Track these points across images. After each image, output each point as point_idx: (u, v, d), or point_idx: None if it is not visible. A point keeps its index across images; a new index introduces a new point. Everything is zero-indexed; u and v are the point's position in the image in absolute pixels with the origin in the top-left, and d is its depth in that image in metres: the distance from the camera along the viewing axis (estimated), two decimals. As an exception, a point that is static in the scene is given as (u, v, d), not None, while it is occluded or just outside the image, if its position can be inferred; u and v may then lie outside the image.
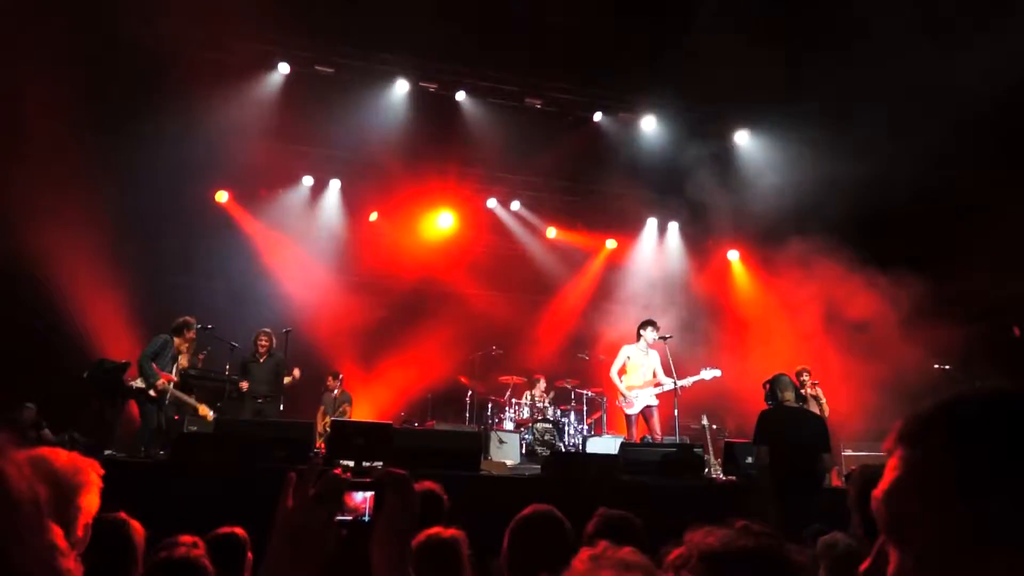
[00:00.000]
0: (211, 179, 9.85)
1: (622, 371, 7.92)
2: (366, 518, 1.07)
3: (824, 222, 9.25)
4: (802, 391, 7.77)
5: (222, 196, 10.29)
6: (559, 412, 9.45)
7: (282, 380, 7.76)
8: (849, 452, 8.32)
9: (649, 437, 7.67)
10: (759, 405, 5.46)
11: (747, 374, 7.83)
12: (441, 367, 10.19)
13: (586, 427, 9.52)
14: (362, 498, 1.07)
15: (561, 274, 11.75)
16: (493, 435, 8.41)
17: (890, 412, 8.10)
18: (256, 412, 7.49)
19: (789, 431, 5.03)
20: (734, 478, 6.33)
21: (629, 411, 7.82)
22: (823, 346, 9.09)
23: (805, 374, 7.99)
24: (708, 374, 7.66)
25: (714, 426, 9.00)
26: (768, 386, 5.42)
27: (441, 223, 11.25)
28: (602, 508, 2.48)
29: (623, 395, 7.87)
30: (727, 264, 11.56)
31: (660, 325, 8.00)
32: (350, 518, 1.06)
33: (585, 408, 9.69)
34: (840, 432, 8.09)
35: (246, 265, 9.93)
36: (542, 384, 9.88)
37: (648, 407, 7.76)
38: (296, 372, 7.85)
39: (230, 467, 4.72)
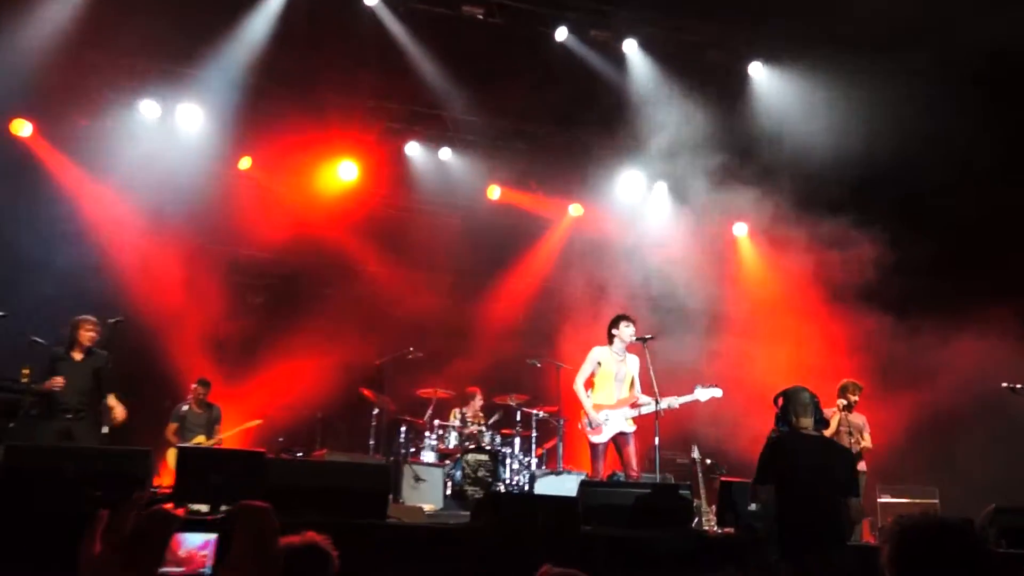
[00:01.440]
0: (6, 104, 9.55)
1: (589, 383, 8.00)
2: (206, 571, 1.01)
3: (866, 194, 9.45)
4: (835, 412, 8.04)
5: (22, 127, 10.03)
6: (498, 439, 9.56)
7: (105, 388, 7.58)
8: (887, 499, 8.53)
9: (621, 474, 7.88)
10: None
11: (756, 393, 7.97)
12: (337, 375, 10.22)
13: (535, 460, 9.70)
14: (203, 543, 1.01)
15: (507, 250, 11.79)
16: (407, 470, 8.64)
17: (942, 447, 8.58)
18: (63, 433, 7.27)
19: (804, 467, 5.08)
20: (732, 530, 6.51)
21: (596, 439, 7.83)
22: (858, 358, 9.35)
23: (854, 392, 8.20)
24: (704, 394, 7.76)
25: (708, 461, 9.13)
26: (780, 403, 5.31)
27: (341, 175, 11.06)
28: (546, 567, 2.47)
29: (588, 416, 7.84)
30: (733, 242, 11.62)
31: (640, 321, 8.09)
32: (182, 570, 1.00)
33: (535, 434, 9.79)
34: (875, 472, 8.31)
35: (54, 225, 9.60)
36: (477, 401, 10.02)
37: (622, 434, 7.79)
38: (119, 412, 7.57)
39: (22, 515, 4.53)
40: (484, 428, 9.65)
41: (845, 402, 8.17)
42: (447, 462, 9.17)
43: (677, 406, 7.74)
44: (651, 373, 7.68)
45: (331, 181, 11.12)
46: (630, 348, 8.03)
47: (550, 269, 11.85)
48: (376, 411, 9.75)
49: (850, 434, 8.07)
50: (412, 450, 9.41)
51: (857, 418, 8.33)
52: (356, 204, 11.25)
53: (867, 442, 8.28)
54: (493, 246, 11.65)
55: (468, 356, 10.99)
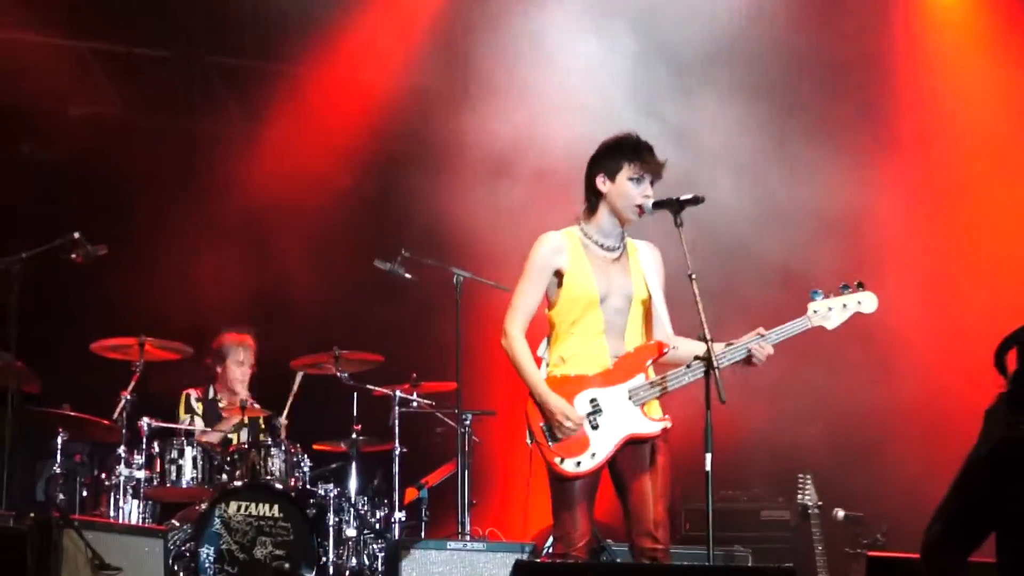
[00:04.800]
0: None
1: (550, 326, 7.67)
2: None
3: None
4: None
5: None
6: (307, 464, 9.92)
7: None
8: None
9: (618, 547, 8.73)
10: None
11: (963, 344, 9.01)
12: None
13: (401, 513, 10.08)
14: None
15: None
16: (71, 539, 8.49)
17: None
18: None
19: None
20: None
21: (566, 463, 7.34)
22: None
23: None
24: (832, 311, 7.51)
25: (840, 513, 9.54)
26: (1017, 358, 4.97)
27: None
28: None
29: (544, 409, 7.47)
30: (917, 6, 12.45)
31: (663, 160, 7.64)
32: None
33: (398, 452, 10.15)
34: None
35: None
36: (241, 365, 10.58)
37: (630, 446, 7.34)
38: None
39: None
40: (270, 437, 10.00)
41: None
42: (175, 522, 9.37)
43: (763, 355, 7.34)
44: (695, 288, 7.10)
45: None
46: (636, 231, 7.80)
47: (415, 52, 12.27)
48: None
49: None
50: (85, 494, 9.66)
51: None
52: None
53: None
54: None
55: (217, 253, 11.64)
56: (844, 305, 7.45)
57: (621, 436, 7.29)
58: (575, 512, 7.27)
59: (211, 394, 10.58)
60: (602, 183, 7.49)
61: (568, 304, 7.49)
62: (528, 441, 7.45)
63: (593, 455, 7.28)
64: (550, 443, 7.30)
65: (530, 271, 7.57)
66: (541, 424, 7.34)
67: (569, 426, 7.26)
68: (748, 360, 7.29)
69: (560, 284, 7.53)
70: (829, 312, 7.45)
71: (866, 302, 7.48)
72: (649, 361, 7.44)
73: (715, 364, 6.94)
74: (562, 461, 7.27)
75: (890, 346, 9.71)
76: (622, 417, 7.32)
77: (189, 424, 10.20)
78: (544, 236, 7.61)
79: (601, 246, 7.57)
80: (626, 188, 7.42)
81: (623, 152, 7.52)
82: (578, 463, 7.26)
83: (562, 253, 7.55)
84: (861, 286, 7.50)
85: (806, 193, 11.25)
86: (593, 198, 7.56)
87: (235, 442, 10.03)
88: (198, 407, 10.45)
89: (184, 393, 10.50)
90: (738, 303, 9.53)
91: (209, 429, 10.36)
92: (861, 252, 10.67)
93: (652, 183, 7.47)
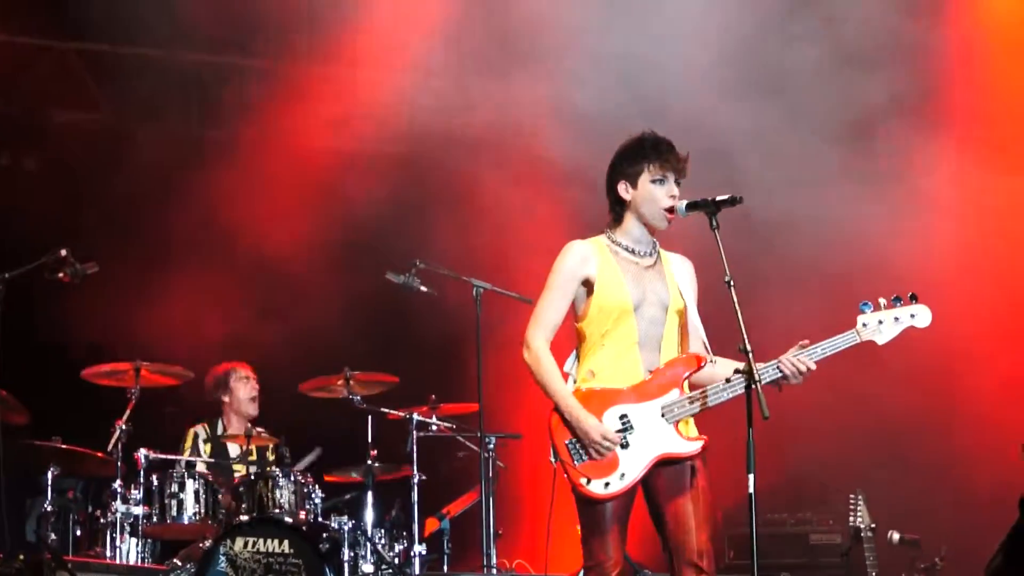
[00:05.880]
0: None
1: (579, 339, 7.60)
2: None
3: None
4: None
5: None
6: (318, 495, 9.96)
7: None
8: None
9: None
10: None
11: None
12: None
13: (421, 546, 10.16)
14: None
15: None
16: None
17: None
18: None
19: None
20: None
21: (596, 486, 7.30)
22: None
23: None
24: (882, 325, 7.44)
25: (896, 536, 9.45)
26: None
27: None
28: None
29: (572, 427, 7.46)
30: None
31: (686, 155, 7.48)
32: None
33: (417, 480, 10.19)
34: None
35: None
36: (242, 391, 10.68)
37: (665, 467, 7.31)
38: None
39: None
40: (278, 468, 9.99)
41: None
42: (176, 561, 9.37)
43: (796, 371, 7.23)
44: (733, 295, 6.90)
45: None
46: (666, 239, 7.75)
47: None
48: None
49: None
50: (79, 533, 9.75)
51: None
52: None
53: None
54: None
55: (217, 269, 11.74)
56: (896, 318, 7.42)
57: (653, 456, 7.29)
58: (606, 538, 7.21)
59: (219, 429, 10.64)
60: (624, 191, 7.49)
61: (599, 314, 7.48)
62: (552, 460, 7.39)
63: (623, 476, 7.28)
64: (576, 462, 7.28)
65: (555, 281, 7.54)
66: (567, 441, 7.31)
67: (607, 446, 7.23)
68: (785, 377, 7.18)
69: (589, 294, 7.53)
70: (880, 326, 7.44)
71: (920, 315, 7.43)
72: (685, 375, 7.37)
73: (756, 377, 6.89)
74: (589, 482, 7.24)
75: (950, 357, 9.66)
76: (654, 435, 7.35)
77: (188, 454, 10.27)
78: (569, 245, 7.57)
79: (632, 252, 7.55)
80: (650, 191, 7.42)
81: (641, 153, 7.50)
82: (606, 484, 7.24)
83: (590, 262, 7.51)
84: (915, 298, 7.46)
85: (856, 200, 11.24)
86: (618, 208, 7.57)
87: (232, 471, 10.04)
88: (205, 449, 10.54)
89: (191, 431, 10.59)
90: (775, 317, 9.48)
91: (208, 460, 10.41)
92: (916, 261, 10.56)
93: (677, 182, 7.43)
